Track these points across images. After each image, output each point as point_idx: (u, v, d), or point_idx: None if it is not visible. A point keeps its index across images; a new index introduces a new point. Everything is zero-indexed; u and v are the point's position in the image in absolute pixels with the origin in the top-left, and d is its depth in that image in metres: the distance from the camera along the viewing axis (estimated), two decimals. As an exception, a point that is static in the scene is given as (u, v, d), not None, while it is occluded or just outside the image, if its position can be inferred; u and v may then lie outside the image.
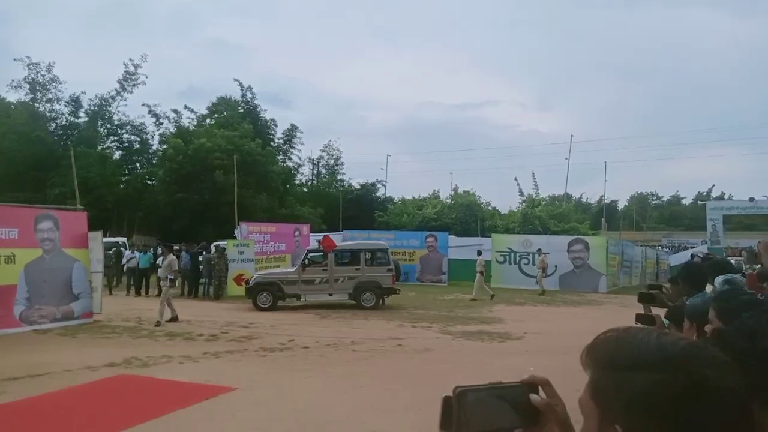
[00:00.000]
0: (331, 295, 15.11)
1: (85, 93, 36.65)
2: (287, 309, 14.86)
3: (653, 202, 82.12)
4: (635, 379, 0.72)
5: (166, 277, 12.31)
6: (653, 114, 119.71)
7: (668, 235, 59.80)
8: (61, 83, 35.74)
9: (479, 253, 19.58)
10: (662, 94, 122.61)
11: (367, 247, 16.21)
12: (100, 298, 13.09)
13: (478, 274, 18.44)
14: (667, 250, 45.62)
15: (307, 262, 15.18)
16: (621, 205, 75.77)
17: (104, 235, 15.06)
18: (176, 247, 21.18)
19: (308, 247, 17.20)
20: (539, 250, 21.65)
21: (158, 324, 11.43)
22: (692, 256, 23.53)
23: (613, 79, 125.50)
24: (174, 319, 11.98)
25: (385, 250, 15.89)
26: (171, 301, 12.23)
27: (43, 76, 35.23)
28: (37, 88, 35.23)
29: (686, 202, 76.35)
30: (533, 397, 0.84)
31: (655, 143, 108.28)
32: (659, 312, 3.72)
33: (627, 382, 0.73)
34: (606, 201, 61.49)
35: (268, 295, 14.67)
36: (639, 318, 3.71)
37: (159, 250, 21.42)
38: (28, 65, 34.75)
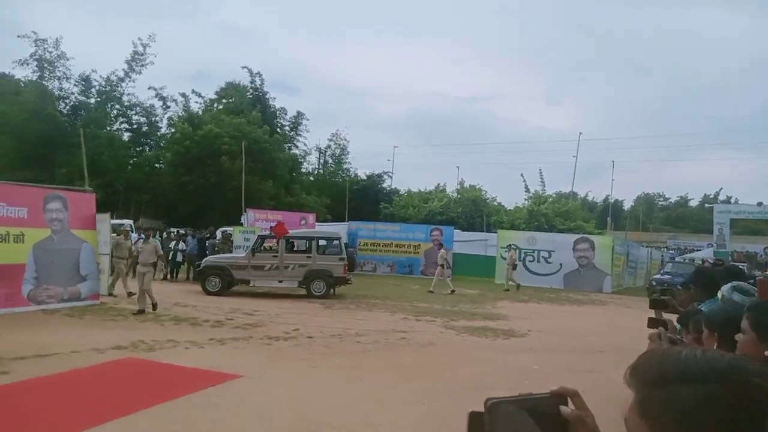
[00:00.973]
0: (280, 282, 15.16)
1: (95, 71, 36.45)
2: (291, 297, 14.91)
3: (660, 203, 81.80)
4: (687, 393, 0.74)
5: (149, 263, 11.69)
6: (663, 113, 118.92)
7: (674, 236, 59.60)
8: (68, 59, 35.40)
9: (441, 245, 19.84)
10: (672, 93, 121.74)
11: (318, 235, 16.26)
12: (106, 280, 13.18)
13: (439, 267, 18.50)
14: (673, 251, 45.49)
15: (256, 248, 15.21)
16: (627, 205, 75.53)
17: (111, 217, 15.11)
18: (182, 231, 21.28)
19: (259, 233, 17.06)
20: (509, 245, 21.71)
21: (141, 312, 10.96)
22: (703, 261, 23.61)
23: (622, 76, 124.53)
24: (154, 306, 11.28)
25: (338, 239, 15.90)
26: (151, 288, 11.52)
27: (50, 52, 34.86)
28: (45, 65, 34.95)
29: (693, 204, 76.02)
30: (563, 408, 0.84)
31: (663, 144, 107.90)
32: (671, 317, 3.70)
33: (678, 396, 0.74)
34: (612, 200, 61.23)
35: (217, 279, 14.66)
36: (651, 323, 3.70)
37: (164, 234, 21.58)
38: (35, 41, 34.34)
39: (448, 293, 17.46)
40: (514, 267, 20.66)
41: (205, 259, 15.73)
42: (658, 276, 21.42)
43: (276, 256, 15.02)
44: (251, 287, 15.24)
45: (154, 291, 11.55)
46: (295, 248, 15.69)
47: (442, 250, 19.07)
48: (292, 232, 16.21)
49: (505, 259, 23.00)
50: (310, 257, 15.15)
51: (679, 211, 77.14)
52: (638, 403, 0.79)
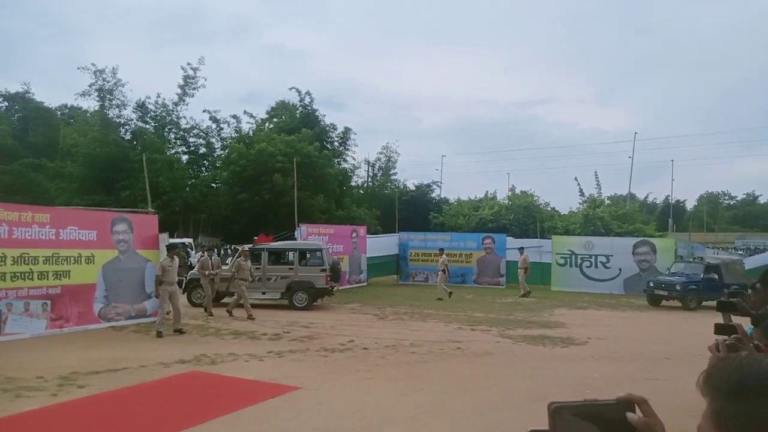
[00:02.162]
0: (264, 293, 15.22)
1: (149, 98, 38.56)
2: (345, 310, 15.07)
3: (725, 202, 77.75)
4: (767, 408, 0.71)
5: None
6: (722, 109, 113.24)
7: (742, 236, 56.43)
8: (124, 85, 37.36)
9: (442, 251, 19.51)
10: (730, 87, 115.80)
11: (300, 247, 16.13)
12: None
13: (440, 273, 18.16)
14: (741, 252, 43.07)
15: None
16: (689, 206, 72.17)
17: (171, 236, 15.74)
18: (238, 247, 21.94)
19: (239, 247, 16.92)
20: (521, 248, 20.98)
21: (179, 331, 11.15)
22: None
23: (677, 73, 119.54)
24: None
25: (320, 249, 15.75)
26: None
27: (107, 81, 36.92)
28: (105, 94, 37.05)
29: (763, 200, 71.81)
30: (630, 415, 0.82)
31: (724, 140, 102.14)
32: (741, 321, 3.53)
33: (757, 411, 0.71)
34: (673, 201, 58.68)
35: (201, 291, 14.67)
36: (719, 328, 3.53)
37: (222, 251, 22.32)
38: (94, 72, 36.51)
39: (446, 298, 17.33)
40: (526, 271, 19.87)
41: (191, 272, 15.94)
42: (662, 276, 18.85)
43: (259, 268, 15.13)
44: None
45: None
46: (277, 260, 15.83)
47: (444, 256, 18.92)
48: (274, 244, 16.50)
49: (562, 265, 22.45)
50: (292, 269, 15.32)
51: (746, 209, 73.04)
52: (713, 413, 0.77)
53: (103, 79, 36.74)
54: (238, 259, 14.19)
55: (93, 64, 37.71)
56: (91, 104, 38.76)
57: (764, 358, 0.77)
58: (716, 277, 17.35)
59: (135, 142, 37.23)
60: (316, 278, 15.14)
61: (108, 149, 34.04)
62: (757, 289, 4.25)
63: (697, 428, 0.79)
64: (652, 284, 18.41)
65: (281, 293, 15.28)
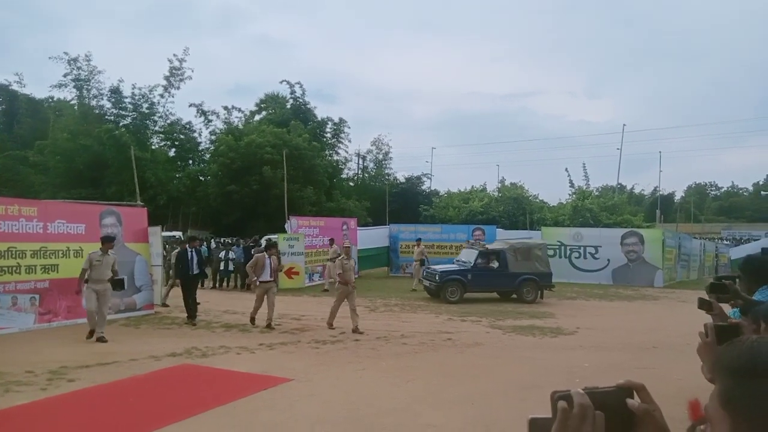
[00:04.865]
0: None
1: (122, 81, 36.75)
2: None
3: (712, 193, 78.61)
4: None
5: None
6: (709, 100, 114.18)
7: (728, 227, 57.13)
8: (100, 73, 36.47)
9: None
10: (718, 79, 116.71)
11: None
12: (159, 291, 13.65)
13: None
14: (728, 242, 43.61)
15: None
16: (677, 197, 72.87)
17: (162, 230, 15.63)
18: (229, 240, 21.83)
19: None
20: (419, 240, 20.79)
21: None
22: (763, 250, 21.83)
23: (665, 65, 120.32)
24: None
25: None
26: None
27: (83, 70, 36.00)
28: (82, 84, 36.13)
29: (745, 192, 72.65)
30: (630, 401, 0.83)
31: (712, 131, 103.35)
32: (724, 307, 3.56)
33: (767, 389, 0.72)
34: (661, 192, 59.21)
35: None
36: (700, 302, 3.58)
37: (212, 244, 22.21)
38: (68, 62, 35.51)
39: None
40: (422, 263, 18.38)
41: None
42: (438, 266, 16.80)
43: None
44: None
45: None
46: None
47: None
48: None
49: (551, 256, 22.54)
50: None
51: (731, 200, 73.93)
52: (722, 392, 0.76)
53: (78, 68, 35.94)
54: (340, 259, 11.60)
55: (65, 53, 36.73)
56: (69, 95, 37.93)
57: None
58: (496, 265, 15.57)
59: (121, 137, 36.47)
60: None
61: (89, 145, 33.20)
62: (740, 278, 4.31)
63: (704, 408, 0.80)
64: (425, 273, 16.62)
65: None
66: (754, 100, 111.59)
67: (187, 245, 12.11)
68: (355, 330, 10.26)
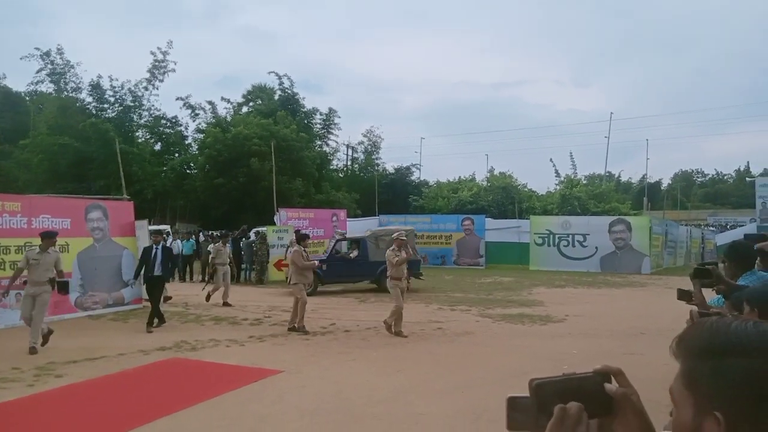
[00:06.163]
0: None
1: (100, 77, 36.03)
2: (326, 293, 15.07)
3: (698, 180, 79.37)
4: (736, 365, 0.72)
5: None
6: (694, 87, 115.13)
7: (714, 213, 57.78)
8: (74, 66, 35.65)
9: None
10: (703, 67, 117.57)
11: None
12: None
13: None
14: (713, 229, 44.12)
15: None
16: (664, 184, 73.46)
17: (148, 224, 15.49)
18: (217, 233, 21.68)
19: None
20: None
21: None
22: (746, 236, 22.19)
23: (652, 54, 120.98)
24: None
25: None
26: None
27: (57, 65, 35.14)
28: (59, 78, 35.31)
29: (729, 178, 73.46)
30: (608, 386, 0.84)
31: (699, 119, 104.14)
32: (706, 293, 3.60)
33: (726, 369, 0.73)
34: (648, 180, 59.66)
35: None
36: (679, 293, 3.63)
37: (201, 237, 22.07)
38: (41, 56, 34.66)
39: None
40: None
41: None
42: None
43: None
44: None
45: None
46: None
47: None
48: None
49: (540, 245, 22.65)
50: None
51: (717, 187, 74.72)
52: (684, 373, 0.78)
53: (52, 62, 35.33)
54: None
55: (37, 49, 35.69)
56: (47, 89, 37.22)
57: (733, 320, 0.79)
58: (355, 254, 15.20)
59: (107, 131, 35.95)
60: None
61: (72, 139, 32.60)
62: (726, 264, 4.35)
63: (669, 390, 0.81)
64: None
65: None
66: (737, 89, 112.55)
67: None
68: (399, 334, 9.22)
